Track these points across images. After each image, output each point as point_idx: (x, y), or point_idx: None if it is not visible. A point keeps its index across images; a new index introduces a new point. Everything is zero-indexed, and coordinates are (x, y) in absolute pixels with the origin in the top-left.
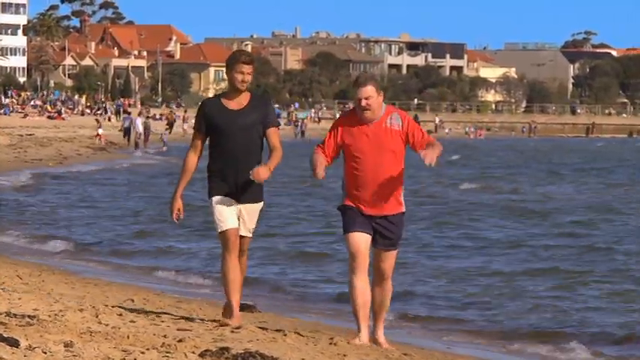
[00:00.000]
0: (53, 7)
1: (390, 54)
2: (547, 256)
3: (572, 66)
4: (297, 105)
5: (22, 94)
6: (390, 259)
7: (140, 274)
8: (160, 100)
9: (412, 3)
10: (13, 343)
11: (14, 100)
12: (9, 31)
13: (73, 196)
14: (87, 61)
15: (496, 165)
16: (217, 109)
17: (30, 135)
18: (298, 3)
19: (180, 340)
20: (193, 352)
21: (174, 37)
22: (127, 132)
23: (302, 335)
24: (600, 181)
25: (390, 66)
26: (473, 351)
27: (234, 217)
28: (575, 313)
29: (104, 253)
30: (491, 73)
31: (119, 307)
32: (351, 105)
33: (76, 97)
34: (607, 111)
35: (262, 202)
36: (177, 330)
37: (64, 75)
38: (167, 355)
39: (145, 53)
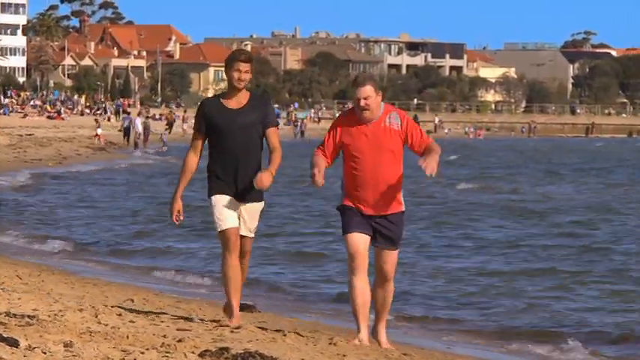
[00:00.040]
0: (53, 7)
1: (390, 54)
2: (545, 256)
3: (571, 66)
4: (296, 105)
5: (22, 94)
6: (391, 258)
7: (139, 274)
8: (159, 100)
9: (412, 3)
10: (13, 343)
11: (14, 100)
12: (8, 31)
13: (73, 196)
14: (86, 61)
15: (494, 165)
16: (216, 109)
17: (29, 135)
18: (298, 3)
19: (179, 340)
20: (193, 352)
21: (173, 37)
22: (126, 132)
23: (301, 335)
24: (599, 181)
25: (390, 66)
26: (472, 351)
27: (235, 217)
28: (574, 313)
29: (103, 253)
30: (490, 73)
31: (119, 307)
32: (350, 105)
33: (76, 97)
34: (606, 111)
35: (263, 202)
36: (177, 330)
37: (64, 75)
38: (167, 355)
39: (144, 53)
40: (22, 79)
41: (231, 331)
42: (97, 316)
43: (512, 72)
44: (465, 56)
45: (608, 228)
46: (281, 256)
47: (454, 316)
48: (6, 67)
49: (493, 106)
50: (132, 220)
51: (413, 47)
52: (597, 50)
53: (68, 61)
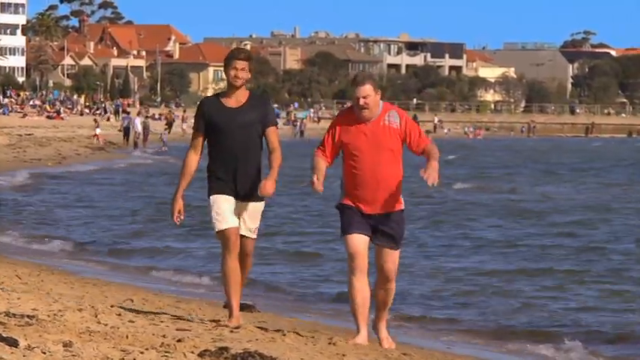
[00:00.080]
0: (52, 7)
1: (389, 54)
2: (543, 256)
3: (571, 66)
4: (296, 105)
5: (21, 93)
6: (392, 258)
7: (139, 274)
8: (159, 99)
9: (411, 3)
10: (12, 342)
11: (13, 100)
12: (8, 31)
13: (72, 195)
14: (86, 61)
15: (492, 165)
16: (216, 108)
17: (29, 135)
18: (297, 3)
19: (179, 340)
20: (192, 352)
21: (173, 37)
22: (126, 132)
23: (301, 335)
24: (597, 181)
25: (389, 66)
26: (471, 351)
27: (234, 217)
28: (572, 312)
29: (103, 252)
30: (490, 72)
31: (118, 306)
32: (348, 104)
33: (75, 97)
34: (606, 111)
35: (263, 202)
36: (177, 330)
37: (63, 75)
38: (166, 355)
39: (143, 53)
40: (21, 79)
41: (231, 331)
42: (96, 316)
43: (511, 72)
44: (465, 56)
45: (606, 228)
46: (280, 256)
47: (453, 316)
48: (5, 67)
49: (492, 106)
50: (131, 219)
51: (412, 47)
52: (597, 50)
53: (67, 60)
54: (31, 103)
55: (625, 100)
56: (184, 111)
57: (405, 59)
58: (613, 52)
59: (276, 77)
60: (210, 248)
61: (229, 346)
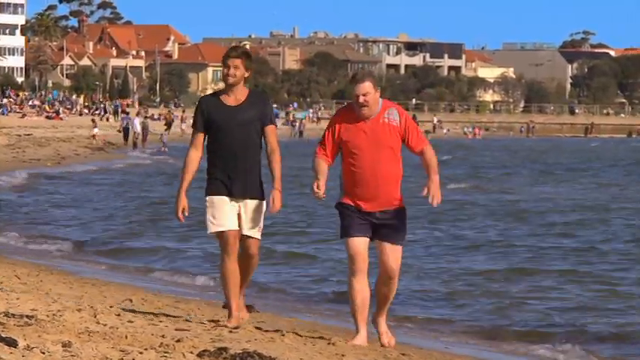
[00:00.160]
0: (51, 7)
1: (388, 54)
2: (539, 256)
3: (570, 66)
4: (295, 105)
5: (20, 94)
6: (394, 253)
7: (138, 274)
8: (158, 100)
9: (410, 3)
10: (11, 343)
11: (12, 100)
12: (7, 31)
13: (71, 195)
14: (85, 61)
15: (489, 165)
16: (215, 106)
17: (28, 135)
18: (296, 3)
19: (178, 340)
20: (191, 352)
21: (172, 37)
22: (125, 132)
23: (300, 335)
24: (593, 181)
25: (388, 66)
26: (470, 350)
27: (233, 219)
28: (569, 312)
29: (102, 253)
30: (489, 73)
31: (117, 307)
32: (346, 103)
33: (74, 97)
34: (605, 111)
35: (264, 201)
36: (176, 330)
37: (62, 75)
38: (165, 355)
39: (143, 53)
40: (20, 79)
41: (230, 331)
42: (95, 316)
43: (510, 72)
44: (464, 56)
45: (603, 228)
46: (279, 256)
47: (450, 316)
48: (4, 67)
49: (492, 106)
50: (130, 219)
51: (411, 47)
52: (596, 50)
53: (67, 61)
54: (30, 103)
55: (624, 100)
56: (183, 111)
57: (404, 59)
58: (612, 53)
59: (275, 77)
60: (209, 248)
61: (228, 346)
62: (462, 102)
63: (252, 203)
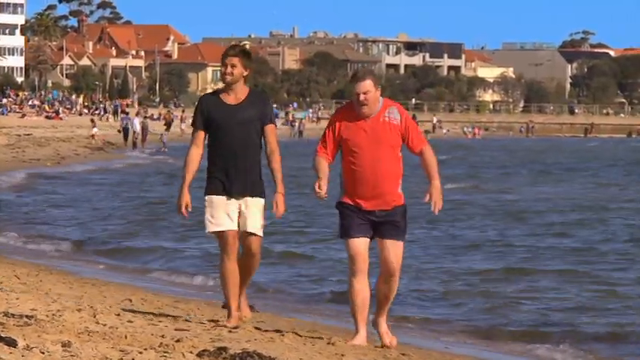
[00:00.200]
0: (51, 7)
1: (388, 54)
2: (536, 256)
3: (569, 66)
4: (295, 105)
5: (20, 94)
6: (395, 250)
7: (137, 274)
8: (157, 100)
9: (410, 3)
10: (11, 342)
11: (12, 100)
12: (6, 31)
13: (70, 195)
14: (85, 61)
15: (487, 165)
16: (215, 104)
17: (28, 135)
18: (296, 3)
19: (178, 340)
20: (191, 352)
21: (171, 37)
22: (125, 132)
23: (300, 335)
24: (591, 181)
25: (388, 66)
26: (469, 350)
27: (232, 219)
28: (566, 312)
29: (101, 252)
30: (489, 72)
31: (117, 306)
32: (344, 102)
33: (74, 96)
34: (605, 111)
35: (264, 199)
36: (175, 330)
37: (62, 75)
38: (165, 355)
39: (142, 53)
40: (20, 79)
41: (230, 331)
42: (95, 316)
43: (510, 72)
44: (463, 56)
45: (601, 228)
46: (278, 256)
47: (449, 316)
48: (4, 67)
49: (491, 106)
50: (129, 219)
51: (411, 47)
52: (595, 50)
53: (66, 60)
54: (29, 103)
55: (624, 100)
56: (183, 111)
57: (403, 59)
58: (612, 52)
59: (274, 77)
60: (208, 248)
61: (228, 346)
62: (461, 102)
63: (252, 201)
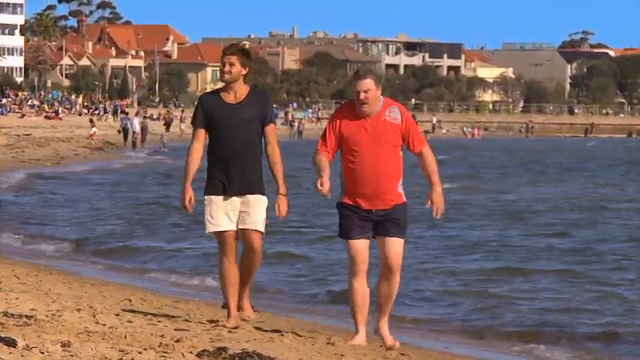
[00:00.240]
0: (50, 7)
1: (388, 54)
2: (535, 256)
3: (569, 66)
4: (294, 105)
5: (20, 94)
6: (396, 246)
7: (137, 274)
8: (157, 100)
9: (409, 3)
10: (11, 342)
11: (11, 100)
12: (6, 31)
13: (70, 196)
14: (84, 61)
15: (485, 165)
16: (215, 103)
17: (27, 135)
18: (295, 3)
19: (177, 340)
20: (191, 352)
21: (171, 37)
22: (125, 132)
23: (299, 335)
24: (589, 182)
25: (388, 66)
26: (468, 350)
27: (231, 220)
28: (563, 312)
29: (101, 253)
30: (488, 73)
31: (116, 306)
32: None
33: (73, 97)
34: (604, 111)
35: (265, 197)
36: (175, 330)
37: (62, 75)
38: (164, 355)
39: (142, 53)
40: (19, 79)
41: (229, 331)
42: (94, 316)
43: (509, 72)
44: (463, 56)
45: (599, 228)
46: (278, 256)
47: (448, 316)
48: (4, 67)
49: (491, 106)
50: (127, 219)
51: (410, 47)
52: (595, 50)
53: (66, 61)
54: (29, 103)
55: (623, 100)
56: (182, 111)
57: (403, 59)
58: (611, 53)
59: (274, 77)
60: (207, 248)
61: (227, 346)
62: (461, 102)
63: (253, 198)
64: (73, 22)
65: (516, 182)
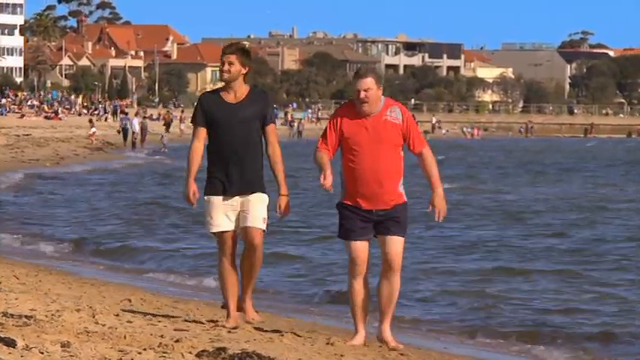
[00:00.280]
0: (50, 7)
1: (387, 54)
2: (531, 257)
3: (569, 66)
4: (294, 105)
5: (19, 94)
6: (396, 244)
7: (137, 274)
8: (156, 100)
9: (409, 3)
10: (10, 343)
11: (11, 100)
12: (6, 31)
13: (70, 196)
14: (84, 62)
15: (484, 165)
16: (215, 103)
17: (27, 135)
18: (295, 3)
19: (177, 341)
20: (190, 353)
21: (171, 37)
22: (124, 133)
23: (299, 335)
24: (588, 182)
25: (387, 66)
26: (468, 351)
27: (230, 220)
28: (561, 312)
29: (100, 253)
30: (488, 73)
31: (116, 307)
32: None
33: (73, 97)
34: (604, 111)
35: (266, 195)
36: (174, 330)
37: (61, 75)
38: (164, 355)
39: (142, 53)
40: (19, 80)
41: (229, 332)
42: (94, 317)
43: (509, 72)
44: (463, 56)
45: (598, 228)
46: (278, 256)
47: (447, 316)
48: (3, 68)
49: (490, 106)
50: (128, 220)
51: (410, 47)
52: (595, 50)
53: (65, 61)
54: (29, 103)
55: (623, 100)
56: (182, 111)
57: (402, 59)
58: (611, 53)
59: (274, 78)
60: (207, 248)
61: (227, 346)
62: (460, 102)
63: (253, 196)
64: (72, 22)
65: (516, 182)
